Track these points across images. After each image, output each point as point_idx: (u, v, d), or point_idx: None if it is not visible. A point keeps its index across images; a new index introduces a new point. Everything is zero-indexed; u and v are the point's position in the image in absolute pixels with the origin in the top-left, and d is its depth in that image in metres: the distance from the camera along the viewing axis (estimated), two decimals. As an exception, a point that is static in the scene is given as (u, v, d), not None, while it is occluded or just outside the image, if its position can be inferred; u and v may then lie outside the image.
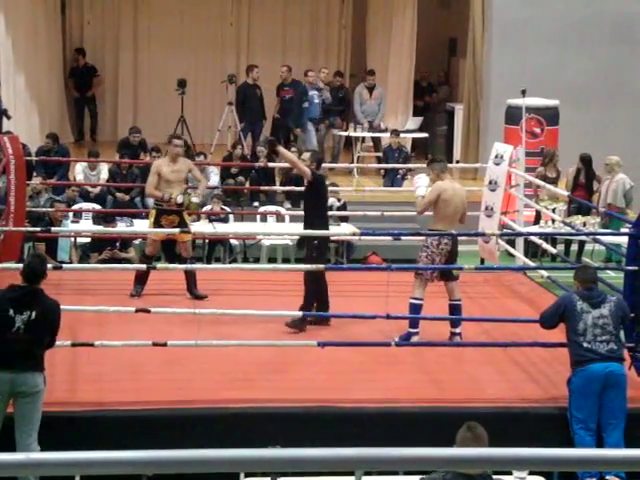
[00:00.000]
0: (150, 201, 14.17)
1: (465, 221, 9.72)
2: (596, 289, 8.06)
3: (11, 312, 7.23)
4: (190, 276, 10.57)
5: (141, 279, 10.58)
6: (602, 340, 7.82)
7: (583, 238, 13.13)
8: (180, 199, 10.49)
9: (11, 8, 16.87)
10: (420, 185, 9.63)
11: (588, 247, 13.73)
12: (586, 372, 7.81)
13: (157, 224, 10.55)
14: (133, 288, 10.62)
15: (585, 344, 7.83)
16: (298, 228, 13.64)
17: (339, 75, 18.28)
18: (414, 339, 9.19)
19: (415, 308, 9.27)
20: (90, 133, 19.64)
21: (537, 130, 15.38)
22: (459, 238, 9.73)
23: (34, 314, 7.21)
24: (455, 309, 9.46)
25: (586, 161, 14.35)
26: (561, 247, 13.80)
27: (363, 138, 18.02)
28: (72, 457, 2.76)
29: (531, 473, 6.31)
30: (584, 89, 16.69)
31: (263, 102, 17.54)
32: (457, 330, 9.36)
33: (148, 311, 8.68)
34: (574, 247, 14.13)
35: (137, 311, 8.70)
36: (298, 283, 10.65)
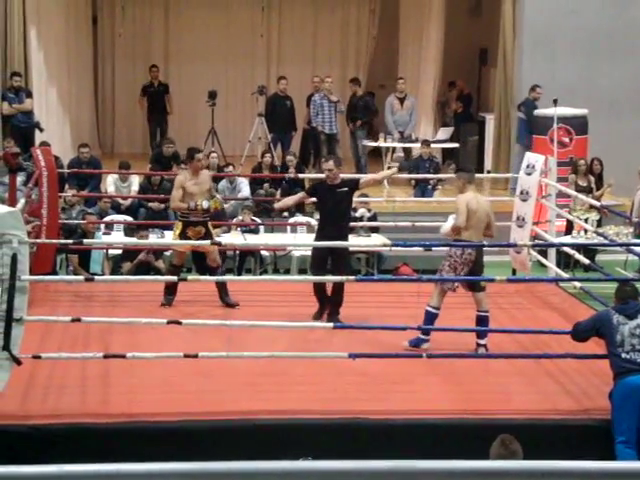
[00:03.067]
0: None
1: (494, 234, 9.68)
2: (632, 302, 8.02)
3: None
4: (221, 284, 10.60)
5: (171, 289, 10.62)
6: None
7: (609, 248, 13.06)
8: (206, 204, 10.55)
9: (43, 21, 16.99)
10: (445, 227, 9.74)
11: (621, 257, 13.63)
12: (625, 384, 7.75)
13: (183, 236, 10.59)
14: (164, 298, 10.67)
15: (624, 355, 7.80)
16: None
17: (354, 82, 18.10)
18: (424, 346, 9.19)
19: (430, 316, 9.22)
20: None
21: (566, 140, 15.31)
22: (488, 249, 9.70)
23: None
24: (482, 320, 9.40)
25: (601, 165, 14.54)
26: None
27: (394, 148, 17.99)
28: (105, 469, 2.76)
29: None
30: (615, 98, 16.60)
31: (294, 113, 17.58)
32: (482, 342, 9.32)
33: (179, 322, 8.69)
34: (601, 257, 14.02)
35: (169, 323, 8.71)
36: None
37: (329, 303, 10.25)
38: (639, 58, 16.79)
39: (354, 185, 10.42)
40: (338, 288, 10.14)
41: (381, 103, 18.36)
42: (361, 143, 17.74)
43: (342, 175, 10.51)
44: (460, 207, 9.37)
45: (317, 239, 10.35)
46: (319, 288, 10.27)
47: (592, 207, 12.65)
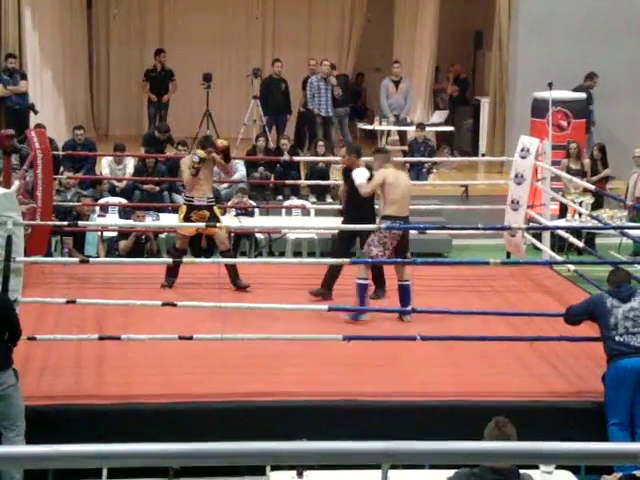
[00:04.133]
0: (178, 197, 14.26)
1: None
2: (626, 285, 8.05)
3: None
4: (231, 267, 10.61)
5: (172, 271, 10.62)
6: (634, 332, 7.82)
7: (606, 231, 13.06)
8: (196, 158, 10.47)
9: (38, 2, 16.93)
10: (359, 175, 10.02)
11: (615, 240, 13.65)
12: (618, 366, 7.78)
13: (187, 220, 10.57)
14: (165, 279, 10.67)
15: (617, 338, 7.84)
16: (323, 222, 13.69)
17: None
18: (363, 317, 9.61)
19: (362, 287, 9.65)
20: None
21: (564, 123, 15.30)
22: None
23: None
24: (404, 290, 9.71)
25: (603, 151, 14.38)
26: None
27: (389, 132, 17.98)
28: (99, 450, 2.77)
29: (558, 467, 6.28)
30: (611, 82, 16.59)
31: (288, 95, 17.56)
32: (408, 309, 9.64)
33: (174, 305, 8.70)
34: (599, 240, 14.04)
35: (164, 305, 8.72)
36: (323, 276, 10.66)
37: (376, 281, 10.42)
38: (635, 41, 16.77)
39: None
40: (379, 268, 10.37)
41: (376, 86, 18.34)
42: (345, 123, 17.76)
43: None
44: (376, 177, 9.88)
45: (343, 221, 10.66)
46: (335, 272, 10.35)
47: (586, 190, 12.64)
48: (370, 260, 9.61)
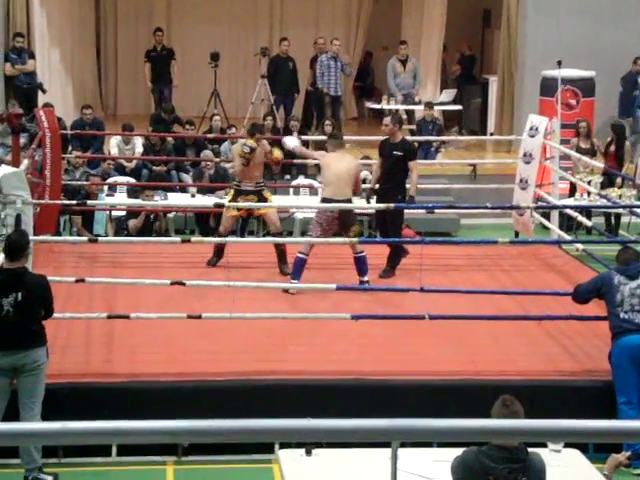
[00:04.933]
0: (186, 176, 14.27)
1: (358, 190, 10.41)
2: (634, 263, 8.06)
3: None
4: (280, 253, 10.59)
5: (219, 252, 10.62)
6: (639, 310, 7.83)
7: (619, 211, 13.02)
8: (247, 149, 10.49)
9: (45, -18, 16.91)
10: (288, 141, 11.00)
11: (624, 220, 13.62)
12: (623, 343, 7.81)
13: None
14: (212, 257, 10.73)
15: (622, 314, 7.87)
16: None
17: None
18: (295, 284, 9.76)
19: (300, 261, 9.93)
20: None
21: (572, 102, 15.25)
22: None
23: (20, 295, 7.19)
24: (359, 260, 10.00)
25: (617, 130, 14.22)
26: (600, 220, 13.65)
27: (397, 110, 17.91)
28: (108, 427, 2.78)
29: (566, 445, 6.29)
30: (620, 60, 16.51)
31: (296, 75, 17.51)
32: (365, 278, 9.98)
33: (183, 284, 8.72)
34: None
35: (172, 284, 8.74)
36: (330, 255, 10.68)
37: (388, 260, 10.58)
38: (644, 20, 16.69)
39: (408, 155, 10.62)
40: (395, 247, 10.47)
41: (385, 65, 18.28)
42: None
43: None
44: (314, 154, 10.80)
45: (378, 195, 10.71)
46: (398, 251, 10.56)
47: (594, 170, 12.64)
48: (378, 239, 9.62)
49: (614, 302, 7.92)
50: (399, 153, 10.57)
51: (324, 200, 10.15)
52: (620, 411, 7.77)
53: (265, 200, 10.71)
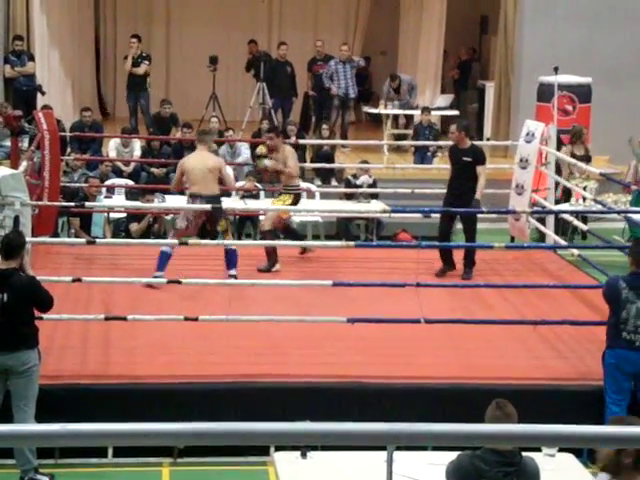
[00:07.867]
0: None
1: (231, 185, 11.27)
2: None
3: None
4: (270, 253, 10.82)
5: (272, 255, 10.81)
6: None
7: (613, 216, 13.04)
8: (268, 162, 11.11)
9: (45, -16, 16.93)
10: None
11: (619, 225, 13.65)
12: (618, 352, 7.71)
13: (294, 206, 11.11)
14: (267, 263, 10.87)
15: (624, 334, 7.67)
16: (328, 205, 13.69)
17: (252, 43, 17.87)
18: (158, 277, 9.84)
19: (164, 255, 10.10)
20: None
21: (569, 108, 15.28)
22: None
23: (6, 297, 7.17)
24: (230, 253, 10.29)
25: None
26: (596, 225, 13.62)
27: (395, 115, 17.95)
28: (104, 429, 2.80)
29: (560, 450, 6.33)
30: (617, 66, 16.56)
31: (294, 79, 17.55)
32: (233, 272, 10.22)
33: (179, 282, 8.76)
34: (603, 225, 13.99)
35: (169, 282, 8.78)
36: (327, 259, 10.71)
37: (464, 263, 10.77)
38: (640, 26, 16.74)
39: (477, 161, 10.73)
40: (470, 250, 10.76)
41: (382, 70, 18.32)
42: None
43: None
44: (178, 171, 10.70)
45: (445, 197, 11.01)
46: (445, 250, 10.80)
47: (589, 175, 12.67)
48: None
49: (618, 317, 7.67)
50: (468, 159, 10.68)
51: (190, 195, 10.44)
52: (609, 410, 7.74)
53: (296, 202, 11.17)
